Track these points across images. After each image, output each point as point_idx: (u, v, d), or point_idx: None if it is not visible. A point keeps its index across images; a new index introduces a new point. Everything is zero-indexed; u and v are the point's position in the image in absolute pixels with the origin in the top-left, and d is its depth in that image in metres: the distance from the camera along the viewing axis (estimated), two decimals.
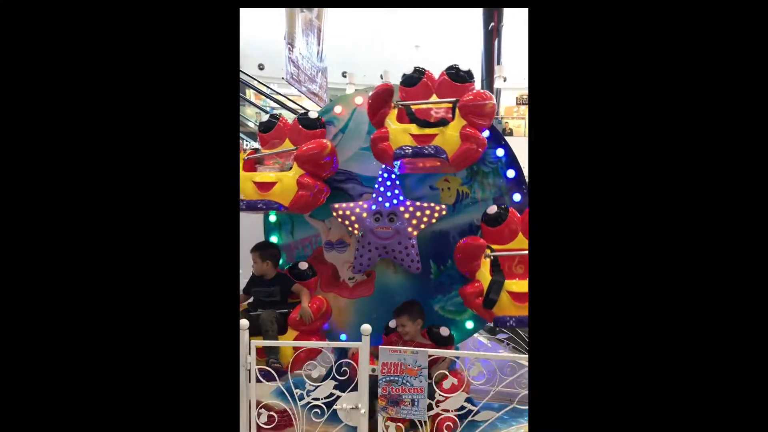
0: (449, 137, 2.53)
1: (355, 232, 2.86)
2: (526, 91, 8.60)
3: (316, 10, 5.98)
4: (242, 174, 2.81)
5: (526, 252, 2.51)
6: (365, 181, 2.98)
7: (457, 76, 2.62)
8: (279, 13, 5.66)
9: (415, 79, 2.70)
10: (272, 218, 3.20)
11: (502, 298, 2.48)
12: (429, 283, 3.01)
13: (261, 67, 11.81)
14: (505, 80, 8.73)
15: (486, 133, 2.66)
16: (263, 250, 2.94)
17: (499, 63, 8.69)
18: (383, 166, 2.81)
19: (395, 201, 2.78)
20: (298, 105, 7.65)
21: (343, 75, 9.77)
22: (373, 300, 3.07)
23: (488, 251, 2.60)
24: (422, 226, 2.80)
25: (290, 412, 2.41)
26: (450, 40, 12.29)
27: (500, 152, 2.86)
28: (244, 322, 2.41)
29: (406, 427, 2.37)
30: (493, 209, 2.64)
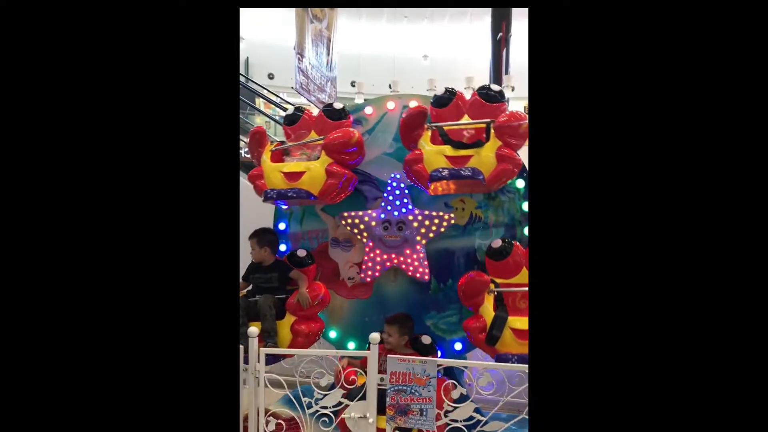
0: (485, 158, 2.52)
1: (364, 240, 2.87)
2: None
3: (325, 20, 6.04)
4: (269, 165, 2.81)
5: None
6: (382, 186, 2.98)
7: (488, 96, 2.61)
8: (289, 24, 5.72)
9: (446, 99, 2.68)
10: (284, 206, 3.19)
11: (505, 334, 2.47)
12: (426, 298, 3.01)
13: (271, 76, 11.92)
14: (513, 90, 8.74)
15: None
16: (260, 236, 2.92)
17: (507, 73, 8.71)
18: (393, 174, 2.83)
19: (404, 210, 2.79)
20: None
21: (352, 84, 9.82)
22: (369, 304, 3.08)
23: (492, 286, 2.61)
24: (431, 235, 2.81)
25: (298, 421, 2.41)
26: (458, 51, 12.35)
27: (520, 184, 2.85)
28: (253, 330, 2.42)
29: None
30: (497, 243, 2.66)
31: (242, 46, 11.58)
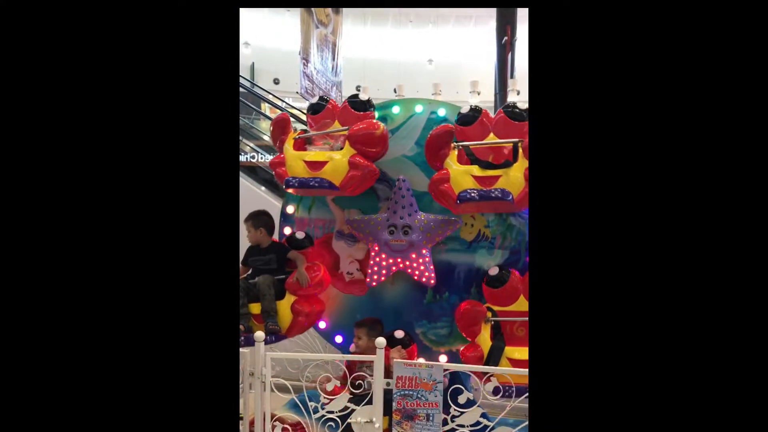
0: (513, 179, 2.48)
1: (370, 244, 2.87)
2: None
3: (331, 25, 6.07)
4: (292, 153, 2.77)
5: (526, 318, 2.52)
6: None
7: (513, 114, 2.57)
8: (294, 29, 5.75)
9: (471, 117, 2.64)
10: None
11: (503, 365, 2.46)
12: (420, 306, 3.01)
13: (276, 81, 11.98)
14: (518, 93, 8.74)
15: None
16: (255, 218, 2.91)
17: (512, 77, 8.71)
18: (399, 177, 2.82)
19: (410, 214, 2.78)
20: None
21: (357, 89, 9.86)
22: (362, 301, 3.07)
23: (489, 315, 2.61)
24: (437, 239, 2.80)
25: (304, 425, 2.40)
26: (463, 55, 12.38)
27: None
28: (259, 334, 2.42)
29: None
30: (494, 270, 2.66)
31: (248, 51, 11.66)
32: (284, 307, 2.81)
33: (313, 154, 2.75)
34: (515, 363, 2.41)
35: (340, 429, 2.33)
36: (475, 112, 2.65)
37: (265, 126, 8.83)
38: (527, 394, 2.24)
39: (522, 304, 2.59)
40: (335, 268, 3.09)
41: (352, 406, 2.36)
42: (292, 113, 7.63)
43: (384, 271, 2.83)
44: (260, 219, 2.92)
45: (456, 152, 2.63)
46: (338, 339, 3.15)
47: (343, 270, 3.08)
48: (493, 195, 2.48)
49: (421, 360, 2.86)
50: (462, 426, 2.30)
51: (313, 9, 5.78)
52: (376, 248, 2.85)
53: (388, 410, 2.31)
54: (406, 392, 2.28)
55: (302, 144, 2.86)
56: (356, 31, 11.37)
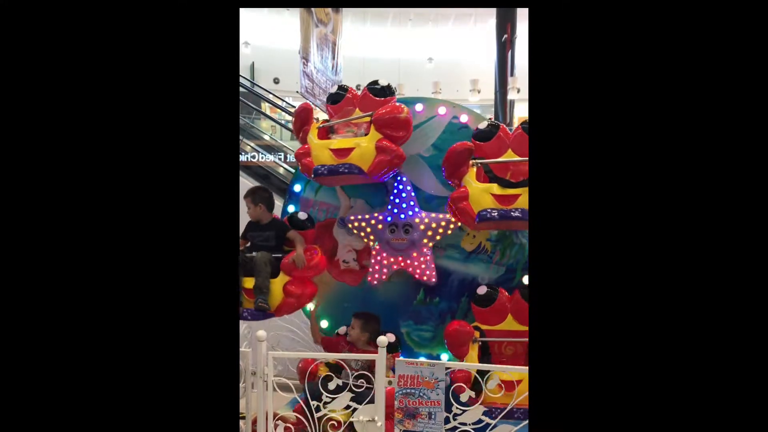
0: None
1: (371, 243, 2.87)
2: None
3: (330, 24, 6.06)
4: (317, 142, 2.77)
5: (515, 339, 2.57)
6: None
7: None
8: (294, 28, 5.75)
9: (488, 133, 2.61)
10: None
11: (490, 386, 2.41)
12: (409, 305, 3.02)
13: (276, 81, 11.97)
14: (518, 92, 8.74)
15: None
16: (254, 194, 2.91)
17: (512, 75, 8.71)
18: (400, 176, 2.82)
19: (410, 212, 2.79)
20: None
21: (358, 88, 9.83)
22: (353, 292, 3.08)
23: (477, 334, 2.61)
24: (437, 237, 2.80)
25: (306, 424, 2.40)
26: (463, 53, 12.36)
27: None
28: (261, 333, 2.42)
29: None
30: (483, 290, 2.67)
31: (247, 51, 11.65)
32: (276, 285, 2.78)
33: (339, 141, 2.75)
34: (503, 384, 2.36)
35: (342, 428, 2.34)
36: (493, 127, 2.63)
37: (265, 126, 8.83)
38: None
39: (510, 323, 2.60)
40: (332, 254, 3.08)
41: (354, 405, 2.37)
42: (291, 113, 7.64)
43: (385, 270, 2.83)
44: (259, 195, 2.91)
45: (475, 170, 2.61)
46: (324, 324, 3.18)
47: (340, 257, 3.08)
48: (513, 215, 2.46)
49: (423, 359, 2.87)
50: (464, 424, 2.30)
51: (312, 8, 5.79)
52: (377, 247, 2.85)
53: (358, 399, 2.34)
54: (408, 391, 2.28)
55: (326, 133, 2.85)
56: (356, 29, 11.36)
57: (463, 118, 2.90)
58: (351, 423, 2.36)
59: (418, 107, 2.96)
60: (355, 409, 2.35)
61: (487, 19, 10.93)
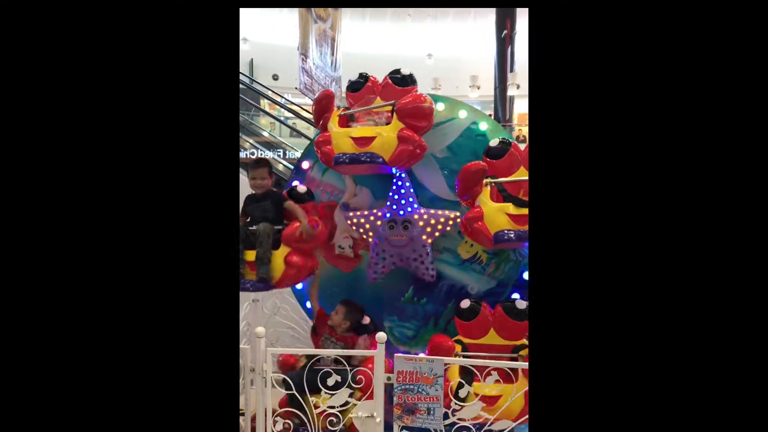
0: None
1: (369, 239, 2.87)
2: None
3: (329, 20, 6.04)
4: (338, 130, 2.74)
5: (497, 354, 2.55)
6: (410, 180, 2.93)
7: None
8: (293, 24, 5.73)
9: (500, 150, 2.61)
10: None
11: (470, 400, 2.38)
12: (396, 301, 3.02)
13: (275, 77, 11.96)
14: (518, 87, 8.73)
15: None
16: (269, 164, 2.90)
17: (512, 71, 8.70)
18: (399, 174, 2.81)
19: (409, 209, 2.78)
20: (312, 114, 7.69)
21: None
22: (343, 278, 3.08)
23: (459, 348, 2.61)
24: (436, 234, 2.79)
25: (305, 420, 2.41)
26: (462, 49, 12.34)
27: None
28: (260, 330, 2.42)
29: None
30: (466, 303, 2.66)
31: (246, 47, 11.63)
32: (278, 257, 2.75)
33: (360, 129, 2.72)
34: (483, 399, 2.35)
35: (341, 423, 2.34)
36: (505, 144, 2.63)
37: (264, 122, 8.83)
38: None
39: (493, 337, 2.61)
40: (329, 237, 3.07)
41: (353, 401, 2.37)
42: (290, 109, 7.63)
43: (384, 266, 2.83)
44: (270, 165, 2.91)
45: (489, 189, 2.61)
46: (308, 304, 3.19)
47: (336, 242, 3.08)
48: None
49: (422, 354, 2.87)
50: (463, 420, 2.31)
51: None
52: (377, 243, 2.85)
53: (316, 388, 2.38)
54: (407, 386, 2.28)
55: (346, 121, 2.83)
56: (355, 25, 11.34)
57: (482, 126, 2.88)
58: (340, 412, 2.37)
59: (439, 106, 2.92)
60: (346, 402, 2.37)
61: (486, 15, 10.91)
